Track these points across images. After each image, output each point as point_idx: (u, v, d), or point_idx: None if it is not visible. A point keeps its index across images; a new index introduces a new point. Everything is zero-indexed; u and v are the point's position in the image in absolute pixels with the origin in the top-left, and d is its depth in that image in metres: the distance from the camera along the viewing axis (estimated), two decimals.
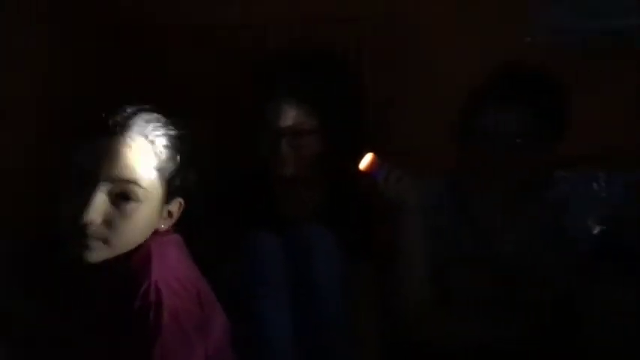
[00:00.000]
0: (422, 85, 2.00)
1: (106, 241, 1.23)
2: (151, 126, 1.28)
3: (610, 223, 2.08)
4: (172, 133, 1.30)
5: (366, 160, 1.59)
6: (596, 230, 2.11)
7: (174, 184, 1.30)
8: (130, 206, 1.23)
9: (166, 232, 1.33)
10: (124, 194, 1.23)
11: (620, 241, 1.96)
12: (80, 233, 1.20)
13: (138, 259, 1.26)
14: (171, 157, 1.29)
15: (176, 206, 1.33)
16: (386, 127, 1.98)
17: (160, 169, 1.27)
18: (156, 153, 1.27)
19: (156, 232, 1.31)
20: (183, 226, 1.38)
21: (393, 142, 1.93)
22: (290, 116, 1.74)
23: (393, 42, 2.09)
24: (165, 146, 1.28)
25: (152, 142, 1.27)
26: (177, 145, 1.30)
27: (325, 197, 1.85)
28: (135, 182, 1.23)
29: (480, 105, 1.69)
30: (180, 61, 2.14)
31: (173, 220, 1.34)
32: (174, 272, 1.26)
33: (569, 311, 1.76)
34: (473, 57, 2.00)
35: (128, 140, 1.24)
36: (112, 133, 1.24)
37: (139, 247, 1.27)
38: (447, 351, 1.67)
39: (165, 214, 1.32)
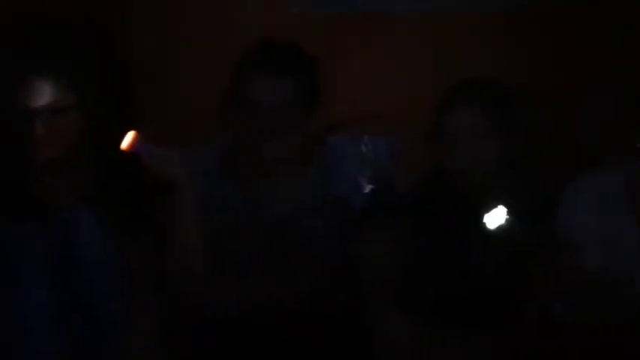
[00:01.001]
0: (189, 59, 1.98)
1: None
2: None
3: (378, 182, 2.22)
4: None
5: (128, 139, 1.54)
6: (366, 189, 2.24)
7: None
8: None
9: None
10: None
11: (387, 198, 2.10)
12: None
13: None
14: None
15: None
16: (153, 102, 1.94)
17: None
18: None
19: None
20: None
21: (160, 117, 1.90)
22: (44, 94, 1.63)
23: (160, 16, 2.04)
24: None
25: None
26: None
27: (93, 179, 1.78)
28: None
29: (243, 76, 1.72)
30: None
31: None
32: None
33: (347, 268, 1.86)
34: (239, 30, 2.02)
35: None
36: None
37: None
38: (228, 317, 1.71)
39: None
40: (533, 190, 1.76)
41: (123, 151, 1.55)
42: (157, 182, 1.62)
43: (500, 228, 1.61)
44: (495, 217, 1.61)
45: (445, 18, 2.26)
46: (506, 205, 1.64)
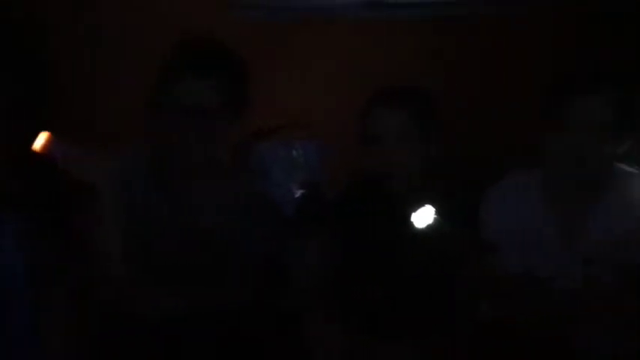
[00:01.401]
0: (114, 60, 1.92)
1: None
2: None
3: (309, 187, 2.20)
4: None
5: (40, 140, 1.47)
6: (297, 194, 2.22)
7: None
8: None
9: None
10: None
11: (317, 203, 2.09)
12: None
13: None
14: None
15: None
16: (71, 104, 1.87)
17: None
18: None
19: None
20: None
21: (81, 119, 1.83)
22: None
23: (86, 15, 1.97)
24: None
25: None
26: None
27: (5, 181, 1.70)
28: None
29: (167, 77, 1.67)
30: None
31: None
32: None
33: (276, 274, 1.83)
34: (171, 31, 1.98)
35: None
36: None
37: None
38: (155, 323, 1.66)
39: None
40: (457, 192, 1.77)
41: (36, 153, 1.48)
42: (74, 186, 1.55)
43: (427, 228, 1.62)
44: (423, 217, 1.61)
45: (374, 25, 2.27)
46: (432, 207, 1.65)
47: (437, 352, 1.63)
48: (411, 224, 1.65)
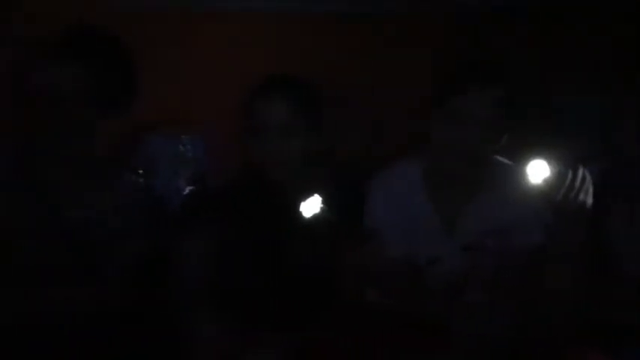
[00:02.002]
0: None
1: None
2: None
3: (196, 181, 2.17)
4: None
5: None
6: (186, 190, 2.18)
7: None
8: None
9: None
10: None
11: (203, 197, 2.05)
12: None
13: None
14: None
15: None
16: None
17: None
18: None
19: None
20: None
21: None
22: None
23: None
24: None
25: None
26: None
27: None
28: None
29: (37, 66, 1.58)
30: None
31: None
32: None
33: (161, 269, 1.78)
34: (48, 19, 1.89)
35: None
36: None
37: None
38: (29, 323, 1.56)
39: None
40: (342, 182, 1.79)
41: None
42: None
43: (313, 217, 1.62)
44: (309, 207, 1.61)
45: (256, 16, 2.26)
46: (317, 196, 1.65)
47: (323, 341, 1.63)
48: (295, 214, 1.64)
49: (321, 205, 1.57)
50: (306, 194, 1.58)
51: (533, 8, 2.32)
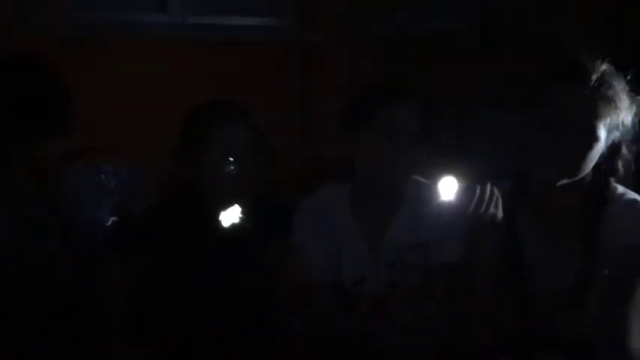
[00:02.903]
0: None
1: None
2: None
3: (120, 212, 2.13)
4: None
5: None
6: (108, 221, 2.14)
7: None
8: None
9: None
10: None
11: (128, 227, 2.02)
12: None
13: None
14: None
15: None
16: None
17: None
18: None
19: None
20: None
21: None
22: None
23: None
24: None
25: None
26: None
27: None
28: None
29: None
30: None
31: None
32: None
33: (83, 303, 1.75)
34: None
35: None
36: None
37: None
38: None
39: None
40: (272, 203, 1.81)
41: None
42: None
43: (242, 239, 1.61)
44: (238, 230, 1.61)
45: (183, 45, 2.29)
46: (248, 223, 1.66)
47: None
48: (223, 237, 1.64)
49: (240, 215, 1.58)
50: (236, 217, 1.58)
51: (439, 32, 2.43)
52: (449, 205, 1.50)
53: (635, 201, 1.55)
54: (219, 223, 1.67)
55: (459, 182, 1.47)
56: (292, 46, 2.48)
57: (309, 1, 2.63)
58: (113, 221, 2.11)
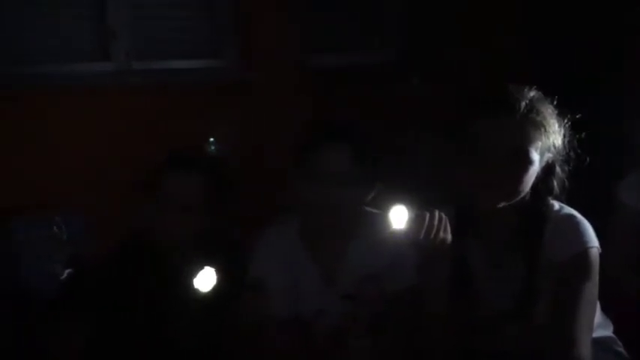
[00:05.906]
0: None
1: None
2: None
3: (73, 264, 2.11)
4: None
5: None
6: (63, 275, 2.11)
7: None
8: None
9: None
10: None
11: (82, 280, 2.00)
12: None
13: None
14: None
15: None
16: None
17: None
18: None
19: None
20: None
21: None
22: None
23: None
24: None
25: None
26: None
27: None
28: None
29: None
30: None
31: None
32: None
33: None
34: None
35: None
36: None
37: None
38: None
39: None
40: (229, 249, 1.83)
41: None
42: None
43: (200, 289, 1.63)
44: (201, 279, 1.62)
45: (125, 91, 2.30)
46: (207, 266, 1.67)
47: None
48: (183, 288, 1.65)
49: (211, 276, 1.59)
50: (194, 265, 1.60)
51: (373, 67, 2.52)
52: (400, 233, 1.55)
53: (571, 215, 1.64)
54: (172, 269, 1.68)
55: (408, 210, 1.53)
56: (235, 87, 2.53)
57: (247, 41, 2.69)
58: (68, 274, 2.08)
